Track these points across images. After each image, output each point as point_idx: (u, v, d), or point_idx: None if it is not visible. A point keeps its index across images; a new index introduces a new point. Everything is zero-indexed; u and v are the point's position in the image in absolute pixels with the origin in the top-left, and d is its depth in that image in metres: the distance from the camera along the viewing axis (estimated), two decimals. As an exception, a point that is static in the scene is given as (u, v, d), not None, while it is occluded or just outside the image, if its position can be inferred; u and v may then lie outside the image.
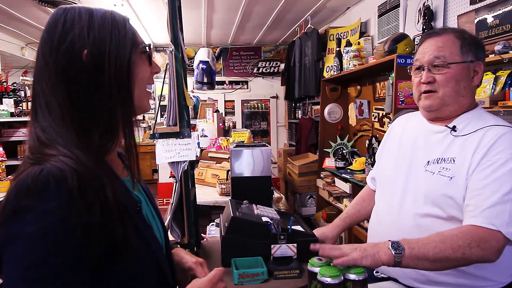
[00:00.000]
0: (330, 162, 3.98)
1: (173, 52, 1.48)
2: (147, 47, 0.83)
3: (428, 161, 1.26)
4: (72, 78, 0.73)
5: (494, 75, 2.14)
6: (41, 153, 0.70)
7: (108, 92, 0.75)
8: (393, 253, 1.08)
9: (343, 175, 3.55)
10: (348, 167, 3.63)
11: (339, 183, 3.75)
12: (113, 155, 0.85)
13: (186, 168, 1.53)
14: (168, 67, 1.50)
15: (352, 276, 1.06)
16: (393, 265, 1.08)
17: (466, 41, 1.25)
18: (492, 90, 2.12)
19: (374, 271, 1.40)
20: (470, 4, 2.48)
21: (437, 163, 1.23)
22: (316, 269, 1.10)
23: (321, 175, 4.12)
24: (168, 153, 1.50)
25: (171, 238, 1.74)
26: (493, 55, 2.06)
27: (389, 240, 1.11)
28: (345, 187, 3.57)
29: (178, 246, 1.13)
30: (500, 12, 2.20)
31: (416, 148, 1.33)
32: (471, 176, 1.15)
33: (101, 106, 0.75)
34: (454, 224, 1.18)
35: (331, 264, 1.14)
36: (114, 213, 0.70)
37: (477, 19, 2.37)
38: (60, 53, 0.73)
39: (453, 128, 1.25)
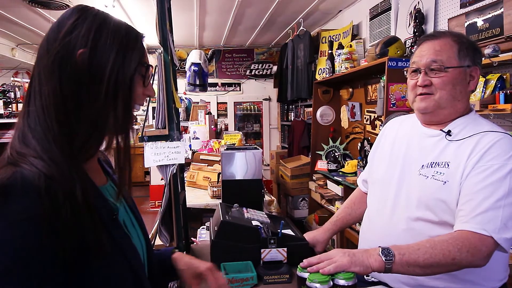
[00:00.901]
0: (322, 165, 3.98)
1: (162, 54, 1.47)
2: (147, 68, 0.82)
3: (422, 165, 1.26)
4: (66, 72, 0.72)
5: (484, 79, 2.15)
6: (17, 151, 0.69)
7: (103, 102, 0.74)
8: (384, 260, 1.07)
9: (335, 177, 3.55)
10: (340, 170, 3.63)
11: (331, 185, 3.75)
12: (93, 161, 0.83)
13: (175, 171, 1.51)
14: (157, 69, 1.49)
15: (341, 282, 1.05)
16: (384, 272, 1.08)
17: (464, 46, 1.24)
18: (482, 94, 2.13)
19: (365, 276, 1.39)
20: (460, 8, 2.50)
21: (431, 167, 1.23)
22: (305, 275, 1.09)
23: (314, 178, 4.12)
24: (157, 156, 1.48)
25: (159, 242, 1.72)
26: (483, 58, 2.07)
27: (379, 246, 1.10)
28: (337, 190, 3.57)
29: (177, 250, 1.12)
30: (490, 15, 2.22)
31: (409, 151, 1.33)
32: (465, 180, 1.14)
33: (88, 110, 0.74)
34: (445, 228, 1.17)
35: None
36: (85, 217, 0.68)
37: (467, 23, 2.39)
38: (62, 46, 0.72)
39: (448, 133, 1.25)
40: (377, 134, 3.35)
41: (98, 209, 0.73)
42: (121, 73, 0.76)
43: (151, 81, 0.86)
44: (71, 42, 0.72)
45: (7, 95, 4.39)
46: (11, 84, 5.62)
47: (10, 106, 4.34)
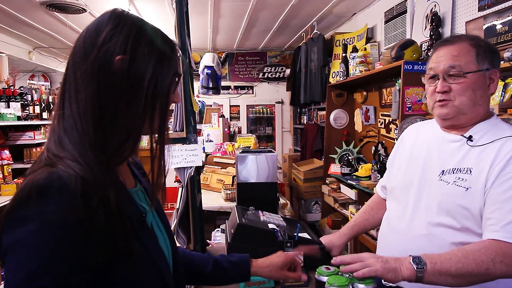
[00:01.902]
0: (335, 168, 3.95)
1: (180, 58, 1.48)
2: (180, 78, 0.83)
3: (443, 171, 1.24)
4: (104, 79, 0.73)
5: (503, 82, 2.12)
6: (53, 154, 0.70)
7: (141, 110, 0.75)
8: (415, 268, 1.05)
9: (348, 181, 3.53)
10: (354, 174, 3.60)
11: (344, 189, 3.72)
12: (123, 164, 0.84)
13: (192, 173, 1.52)
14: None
15: (360, 286, 1.04)
16: (415, 281, 1.06)
17: (482, 49, 1.22)
18: (501, 98, 2.10)
19: (383, 280, 1.38)
20: (478, 11, 2.47)
21: (453, 173, 1.21)
22: (324, 278, 1.09)
23: (327, 181, 4.10)
24: (174, 159, 1.49)
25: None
26: (502, 62, 2.04)
27: (410, 255, 1.08)
28: (351, 194, 3.54)
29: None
30: (509, 18, 2.18)
31: (429, 156, 1.31)
32: (491, 188, 1.12)
33: (125, 116, 0.74)
34: (467, 234, 1.16)
35: (339, 273, 1.12)
36: (117, 221, 0.69)
37: (486, 26, 2.35)
38: (101, 52, 0.72)
39: (469, 138, 1.23)
40: (392, 138, 3.35)
41: (128, 212, 0.74)
42: (160, 82, 0.76)
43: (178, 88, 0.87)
44: (109, 50, 0.73)
45: (25, 97, 4.46)
46: (28, 86, 5.72)
47: (27, 108, 4.41)
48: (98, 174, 0.69)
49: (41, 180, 0.64)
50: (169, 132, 1.54)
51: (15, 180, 4.02)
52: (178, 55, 0.83)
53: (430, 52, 1.33)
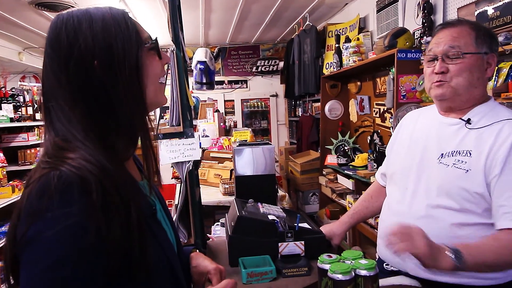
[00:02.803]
0: (332, 159, 3.97)
1: (174, 52, 1.47)
2: (153, 42, 0.80)
3: (442, 154, 1.25)
4: (89, 92, 0.72)
5: (496, 67, 2.13)
6: (62, 156, 0.68)
7: (124, 97, 0.74)
8: (454, 260, 1.06)
9: (345, 171, 3.54)
10: (350, 164, 3.62)
11: (341, 179, 3.74)
12: (130, 159, 0.85)
13: (190, 168, 1.52)
14: (169, 67, 1.49)
15: (363, 272, 1.05)
16: (451, 270, 1.06)
17: (481, 33, 1.24)
18: (495, 82, 2.11)
19: (384, 264, 1.39)
20: (469, -3, 2.47)
21: (452, 155, 1.23)
22: (327, 266, 1.09)
23: (323, 172, 4.11)
24: (172, 154, 1.49)
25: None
26: (495, 46, 2.05)
27: (447, 246, 1.08)
28: (348, 184, 3.56)
29: (197, 250, 1.12)
30: (501, 3, 2.19)
31: (429, 140, 1.33)
32: (500, 175, 1.13)
33: (120, 112, 0.74)
34: (466, 215, 1.18)
35: (341, 260, 1.13)
36: (135, 230, 0.69)
37: (478, 11, 2.36)
38: (71, 69, 0.71)
39: (468, 121, 1.24)
40: (387, 127, 3.36)
41: (142, 207, 0.74)
42: (128, 62, 0.74)
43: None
44: (79, 66, 0.71)
45: (17, 99, 4.42)
46: (20, 88, 5.66)
47: (20, 110, 4.37)
48: (111, 173, 0.69)
49: (60, 179, 0.64)
50: (165, 126, 1.54)
51: (10, 182, 4.00)
52: (134, 24, 0.79)
53: (428, 37, 1.35)
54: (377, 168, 1.70)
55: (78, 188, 0.64)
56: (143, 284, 0.73)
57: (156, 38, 0.83)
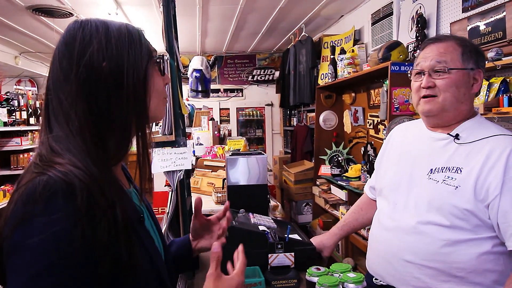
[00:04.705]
0: (325, 170, 3.97)
1: (168, 61, 1.48)
2: (160, 58, 0.85)
3: (431, 169, 1.26)
4: (92, 90, 0.74)
5: (488, 82, 2.16)
6: (51, 161, 0.69)
7: (126, 103, 0.76)
8: None
9: (339, 182, 3.55)
10: (344, 174, 3.63)
11: (335, 190, 3.74)
12: (118, 167, 0.85)
13: (182, 177, 1.51)
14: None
15: (351, 286, 1.05)
16: None
17: (467, 49, 1.26)
18: (486, 97, 2.13)
19: (374, 279, 1.39)
20: (462, 12, 2.51)
21: (442, 171, 1.23)
22: (315, 279, 1.09)
23: (317, 183, 4.12)
24: (164, 162, 1.49)
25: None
26: (486, 62, 2.07)
27: None
28: (341, 194, 3.56)
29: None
30: (492, 19, 2.23)
31: (418, 155, 1.33)
32: (501, 195, 1.12)
33: (118, 116, 0.76)
34: (456, 231, 1.17)
35: (329, 273, 1.13)
36: (121, 233, 0.69)
37: (470, 27, 2.40)
38: (81, 67, 0.73)
39: (456, 136, 1.25)
40: (380, 138, 3.38)
41: (128, 212, 0.74)
42: (136, 72, 0.77)
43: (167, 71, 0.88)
44: (89, 62, 0.74)
45: (11, 103, 4.40)
46: (14, 92, 5.65)
47: (14, 114, 4.35)
48: (98, 177, 0.69)
49: (45, 186, 0.64)
50: (158, 135, 1.55)
51: (1, 187, 3.97)
52: (147, 41, 0.84)
53: (418, 51, 1.36)
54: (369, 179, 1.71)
55: (64, 194, 0.64)
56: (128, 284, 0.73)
57: (163, 55, 0.85)
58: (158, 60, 0.84)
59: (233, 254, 0.94)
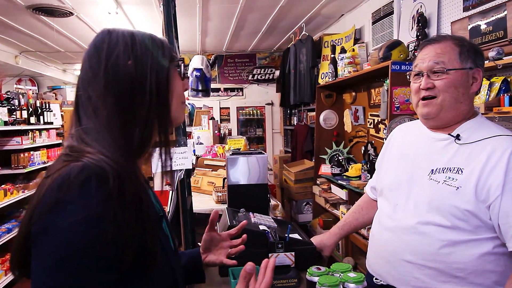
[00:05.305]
0: (326, 169, 3.97)
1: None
2: (180, 62, 0.89)
3: (432, 170, 1.25)
4: (118, 87, 0.79)
5: (489, 81, 2.15)
6: (82, 150, 0.73)
7: (149, 100, 0.81)
8: None
9: (339, 181, 3.55)
10: (344, 174, 3.62)
11: (335, 189, 3.74)
12: (139, 165, 0.89)
13: (182, 176, 1.51)
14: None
15: (351, 286, 1.05)
16: None
17: (465, 48, 1.25)
18: (487, 96, 2.13)
19: (374, 278, 1.39)
20: (463, 11, 2.50)
21: (443, 172, 1.22)
22: (315, 279, 1.09)
23: (317, 182, 4.12)
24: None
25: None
26: (487, 61, 2.07)
27: None
28: (342, 194, 3.56)
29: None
30: (493, 18, 2.22)
31: (418, 156, 1.33)
32: (503, 196, 1.12)
33: (141, 113, 0.80)
34: (456, 232, 1.17)
35: (330, 273, 1.13)
36: (146, 221, 0.73)
37: (471, 26, 2.39)
38: (109, 65, 0.79)
39: (457, 137, 1.25)
40: (381, 138, 3.38)
41: (149, 202, 0.79)
42: (159, 74, 0.82)
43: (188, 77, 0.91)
44: (115, 61, 0.80)
45: (11, 102, 4.40)
46: (15, 91, 5.64)
47: (14, 113, 4.35)
48: (125, 166, 0.73)
49: (80, 171, 0.67)
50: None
51: (2, 186, 3.97)
52: (170, 47, 0.89)
53: (417, 51, 1.36)
54: (371, 178, 1.71)
55: (97, 180, 0.67)
56: (147, 285, 0.76)
57: (183, 59, 0.91)
58: (179, 64, 0.89)
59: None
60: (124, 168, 0.72)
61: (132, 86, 0.80)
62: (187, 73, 0.91)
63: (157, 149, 0.86)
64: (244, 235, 1.17)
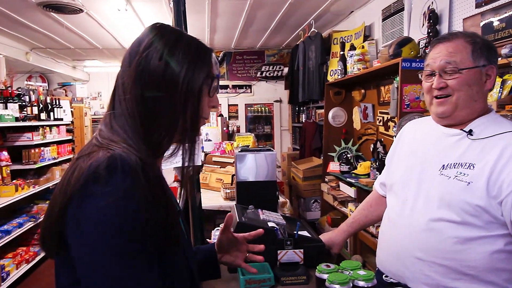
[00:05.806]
0: (334, 166, 3.96)
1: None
2: (214, 79, 0.88)
3: (443, 165, 1.24)
4: (146, 82, 0.81)
5: (501, 79, 2.12)
6: (108, 138, 0.78)
7: (174, 108, 0.82)
8: None
9: (347, 179, 3.54)
10: (353, 171, 3.61)
11: (343, 187, 3.73)
12: (159, 162, 0.91)
13: (191, 173, 1.52)
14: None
15: (361, 283, 1.05)
16: None
17: (477, 45, 1.23)
18: (499, 94, 2.10)
19: (384, 275, 1.38)
20: (475, 8, 2.47)
21: (454, 167, 1.21)
22: (325, 276, 1.09)
23: (326, 179, 4.11)
24: (173, 158, 1.49)
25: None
26: (500, 58, 2.04)
27: None
28: (350, 192, 3.55)
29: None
30: (506, 15, 2.19)
31: (429, 151, 1.31)
32: None
33: (165, 115, 0.82)
34: (467, 228, 1.16)
35: (339, 270, 1.12)
36: (170, 213, 0.76)
37: (483, 23, 2.36)
38: (141, 59, 0.81)
39: (470, 132, 1.23)
40: (390, 136, 3.35)
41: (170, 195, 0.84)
42: (191, 83, 0.83)
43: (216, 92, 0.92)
44: (148, 56, 0.81)
45: (22, 98, 4.44)
46: (26, 88, 5.70)
47: (25, 109, 4.39)
48: (148, 155, 0.77)
49: (105, 159, 0.71)
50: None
51: (13, 181, 4.02)
52: (213, 60, 0.89)
53: (428, 50, 1.34)
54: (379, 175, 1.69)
55: (128, 165, 0.71)
56: (166, 280, 0.78)
57: (218, 78, 0.91)
58: (212, 81, 0.88)
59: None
60: (147, 157, 0.76)
61: (158, 86, 0.81)
62: (218, 90, 0.91)
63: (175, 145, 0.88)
64: (262, 246, 1.22)
